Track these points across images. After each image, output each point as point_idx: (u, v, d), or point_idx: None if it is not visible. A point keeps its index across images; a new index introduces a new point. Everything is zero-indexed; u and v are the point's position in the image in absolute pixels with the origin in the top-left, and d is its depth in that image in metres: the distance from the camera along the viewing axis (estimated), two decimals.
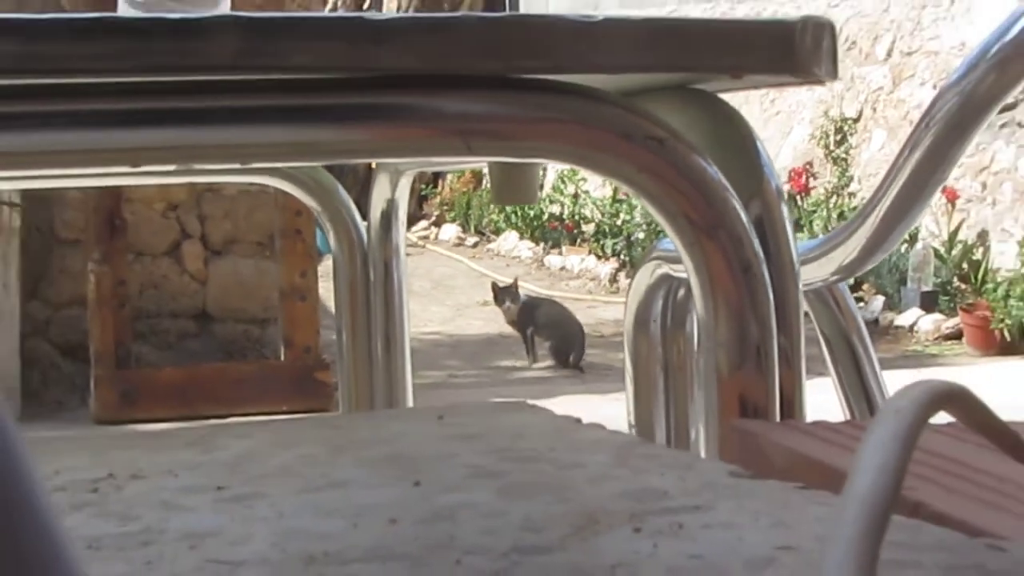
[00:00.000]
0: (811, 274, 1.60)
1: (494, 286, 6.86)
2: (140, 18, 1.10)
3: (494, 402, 0.96)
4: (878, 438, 0.55)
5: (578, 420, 0.89)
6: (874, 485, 0.53)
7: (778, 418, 1.22)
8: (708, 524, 0.64)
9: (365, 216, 1.98)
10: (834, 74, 1.26)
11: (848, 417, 1.77)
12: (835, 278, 1.62)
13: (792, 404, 1.24)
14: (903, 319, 7.49)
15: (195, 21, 1.09)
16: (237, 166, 1.28)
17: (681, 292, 1.66)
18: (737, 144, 1.30)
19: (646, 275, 1.67)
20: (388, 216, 1.99)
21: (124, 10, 1.86)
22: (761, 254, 1.19)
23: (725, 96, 1.33)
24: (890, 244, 1.52)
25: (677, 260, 1.43)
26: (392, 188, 1.92)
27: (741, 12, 9.20)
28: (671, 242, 1.23)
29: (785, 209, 1.30)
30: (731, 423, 1.09)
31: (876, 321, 7.50)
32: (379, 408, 2.04)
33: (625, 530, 0.63)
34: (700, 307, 1.19)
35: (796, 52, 1.21)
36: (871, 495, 0.52)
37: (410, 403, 2.06)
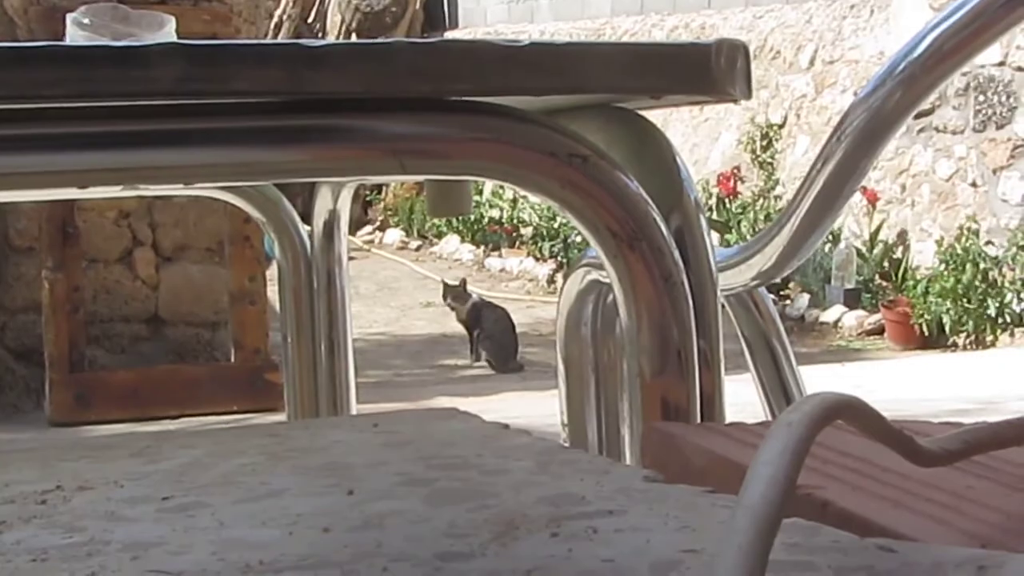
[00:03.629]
0: (732, 280, 1.67)
1: (445, 286, 6.93)
2: (86, 46, 1.15)
3: (427, 409, 1.02)
4: (769, 451, 0.59)
5: (505, 426, 0.95)
6: (763, 496, 0.56)
7: (699, 418, 1.28)
8: (620, 528, 0.67)
9: (310, 221, 2.03)
10: (748, 93, 1.32)
11: (769, 415, 1.84)
12: (755, 283, 1.67)
13: (712, 404, 1.31)
14: (828, 315, 7.63)
15: (140, 49, 1.15)
16: (181, 187, 1.34)
17: (610, 297, 1.73)
18: (657, 159, 1.36)
19: (576, 281, 1.73)
20: (331, 226, 2.04)
21: (72, 32, 1.91)
22: (681, 264, 1.25)
23: (653, 107, 1.40)
24: (805, 251, 1.59)
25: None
26: (334, 199, 1.97)
27: (670, 23, 9.27)
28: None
29: (704, 220, 1.36)
30: (651, 425, 1.15)
31: (802, 318, 7.63)
32: (324, 411, 2.10)
33: (543, 535, 0.66)
34: (623, 314, 1.26)
35: (712, 74, 1.27)
36: (760, 505, 0.56)
37: (354, 406, 2.11)
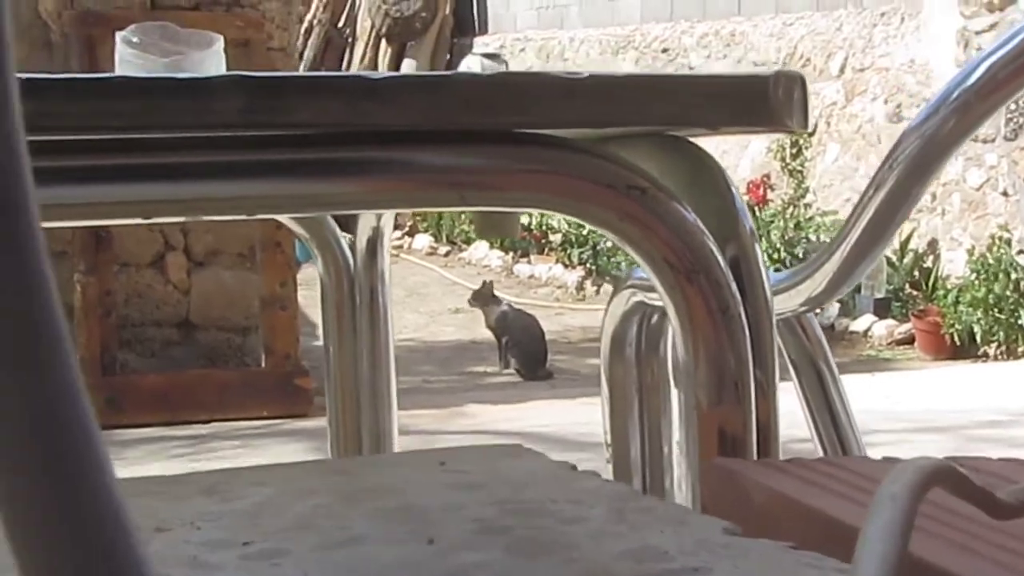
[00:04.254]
0: (781, 305, 1.67)
1: (476, 292, 6.95)
2: (152, 78, 1.16)
3: (494, 446, 1.02)
4: (877, 526, 0.59)
5: (573, 467, 0.95)
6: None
7: (755, 448, 1.29)
8: None
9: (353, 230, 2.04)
10: (804, 124, 1.33)
11: (815, 435, 1.84)
12: (804, 309, 1.68)
13: (768, 435, 1.31)
14: (858, 325, 7.62)
15: (203, 81, 1.16)
16: (243, 217, 1.35)
17: (655, 318, 1.73)
18: (712, 188, 1.37)
19: (621, 302, 1.74)
20: (374, 243, 2.05)
21: (121, 50, 1.92)
22: (738, 295, 1.26)
23: (707, 135, 1.41)
24: (855, 277, 1.59)
25: (651, 288, 1.50)
26: (377, 216, 1.98)
27: (700, 30, 9.26)
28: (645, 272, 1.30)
29: (759, 249, 1.37)
30: (711, 461, 1.16)
31: (832, 327, 7.62)
32: (366, 426, 2.11)
33: None
34: (680, 346, 1.26)
35: (771, 106, 1.28)
36: None
37: (395, 422, 2.12)
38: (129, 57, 1.83)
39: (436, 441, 5.06)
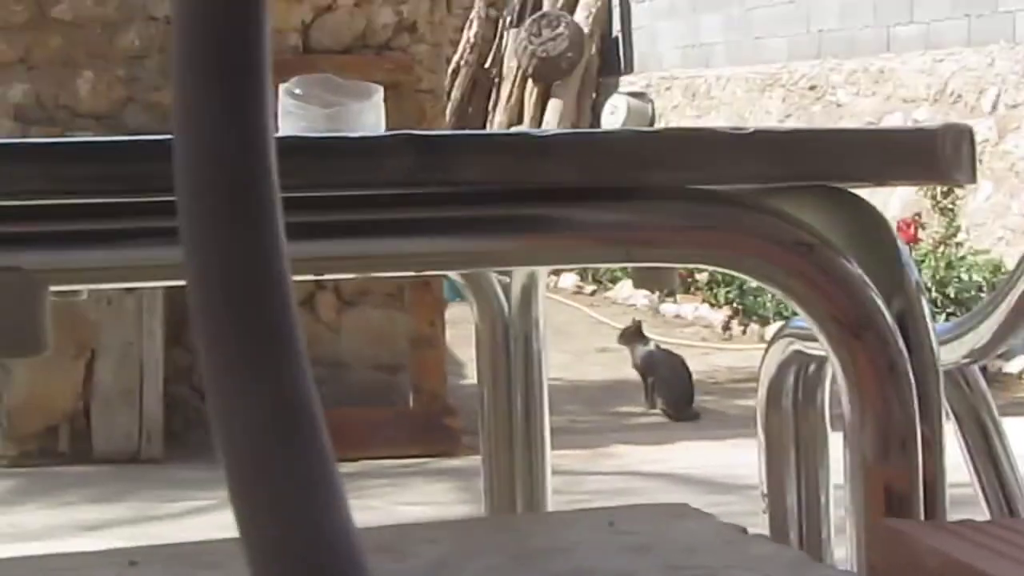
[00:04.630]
0: (944, 357, 1.65)
1: (625, 330, 6.93)
2: (325, 137, 1.18)
3: (661, 506, 1.02)
4: None
5: (743, 530, 0.95)
6: None
7: (922, 506, 1.27)
8: None
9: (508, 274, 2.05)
10: (972, 178, 1.31)
11: (979, 491, 1.81)
12: (967, 361, 1.66)
13: (934, 492, 1.29)
14: (1012, 366, 7.46)
15: (374, 140, 1.18)
16: (411, 274, 1.36)
17: (812, 368, 1.72)
18: (877, 242, 1.35)
19: (778, 351, 1.73)
20: (529, 289, 2.06)
21: (284, 101, 1.96)
22: (905, 352, 1.25)
23: (871, 187, 1.40)
24: (1022, 329, 1.57)
25: (809, 338, 1.49)
26: None
27: (848, 67, 9.17)
28: (803, 320, 1.29)
29: (926, 304, 1.35)
30: (881, 522, 1.15)
31: (984, 368, 7.44)
32: (519, 472, 2.12)
33: None
34: (846, 403, 1.25)
35: (938, 160, 1.27)
36: None
37: (548, 469, 2.13)
38: (291, 108, 1.87)
39: (582, 482, 5.06)
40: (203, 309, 0.38)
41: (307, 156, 1.15)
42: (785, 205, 1.27)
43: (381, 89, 1.94)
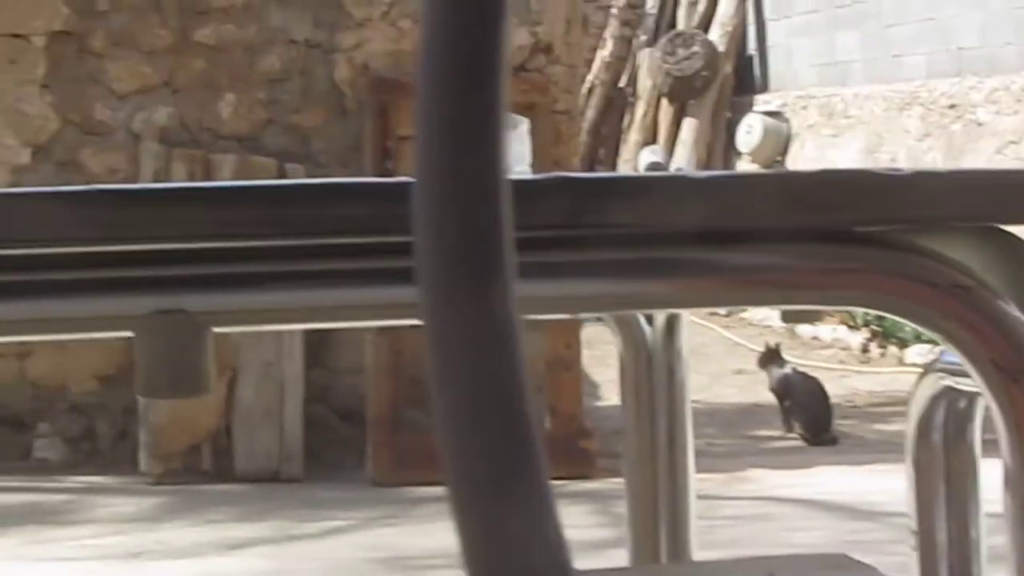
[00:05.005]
0: None
1: (764, 353, 6.88)
2: None
3: (820, 556, 1.02)
4: None
5: None
6: None
7: None
8: None
9: None
10: None
11: None
12: None
13: None
14: None
15: (530, 183, 1.19)
16: (565, 316, 1.36)
17: (963, 403, 1.70)
18: None
19: (928, 387, 1.71)
20: (672, 321, 2.06)
21: None
22: None
23: None
24: None
25: (960, 373, 1.47)
26: None
27: (988, 86, 9.01)
28: (954, 356, 1.27)
29: None
30: None
31: None
32: (663, 500, 2.12)
33: None
34: (1005, 448, 1.24)
35: None
36: None
37: (693, 499, 2.12)
38: None
39: (720, 507, 5.02)
40: (442, 354, 0.42)
41: None
42: (941, 246, 1.25)
43: (526, 121, 1.95)
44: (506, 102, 0.44)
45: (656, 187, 1.21)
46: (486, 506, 0.43)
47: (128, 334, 1.08)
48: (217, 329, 1.10)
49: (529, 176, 1.19)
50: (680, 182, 1.19)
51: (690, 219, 1.18)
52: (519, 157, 1.81)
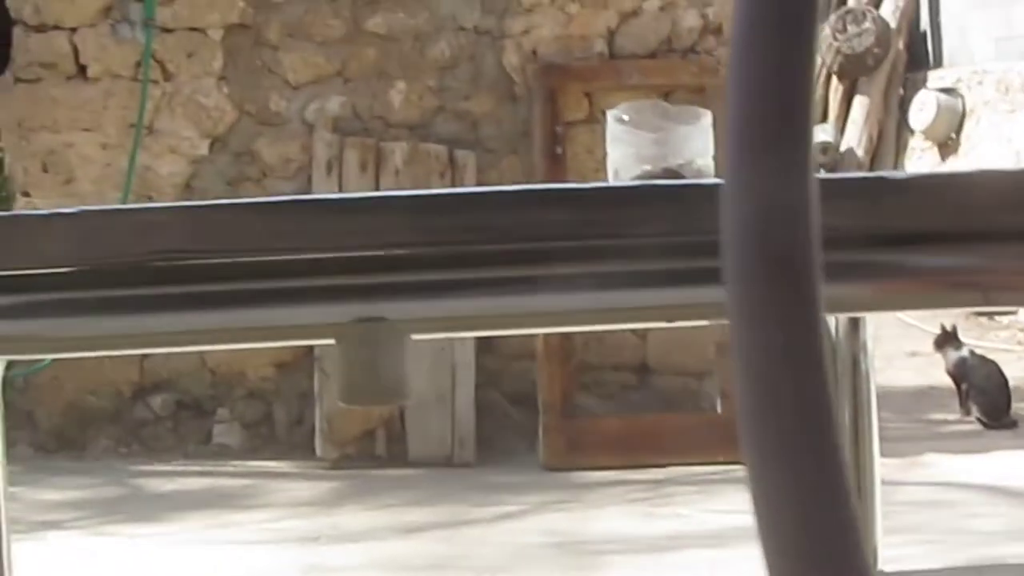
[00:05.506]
0: None
1: (940, 335, 6.75)
2: (681, 185, 1.18)
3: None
4: None
5: None
6: None
7: None
8: None
9: None
10: None
11: None
12: None
13: None
14: None
15: (697, 187, 1.18)
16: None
17: None
18: None
19: None
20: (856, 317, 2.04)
21: (612, 128, 1.98)
22: None
23: None
24: None
25: None
26: None
27: None
28: None
29: None
30: None
31: None
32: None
33: None
34: None
35: None
36: None
37: (878, 490, 2.10)
38: (620, 134, 1.89)
39: (896, 492, 4.95)
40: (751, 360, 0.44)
41: (618, 205, 1.16)
42: None
43: (709, 113, 1.94)
44: (813, 116, 0.46)
45: (854, 188, 1.19)
46: (792, 503, 0.45)
47: (329, 342, 1.10)
48: (416, 336, 1.12)
49: (701, 181, 1.18)
50: (880, 183, 1.17)
51: (890, 220, 1.16)
52: (702, 150, 1.79)
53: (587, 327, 1.31)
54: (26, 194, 6.10)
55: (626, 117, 1.91)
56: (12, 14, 6.10)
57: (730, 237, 0.45)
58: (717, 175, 1.70)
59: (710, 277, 1.18)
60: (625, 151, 1.82)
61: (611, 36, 6.12)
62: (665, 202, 1.13)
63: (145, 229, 1.09)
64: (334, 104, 6.12)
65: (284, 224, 1.12)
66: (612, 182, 1.56)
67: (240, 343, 1.28)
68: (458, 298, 1.15)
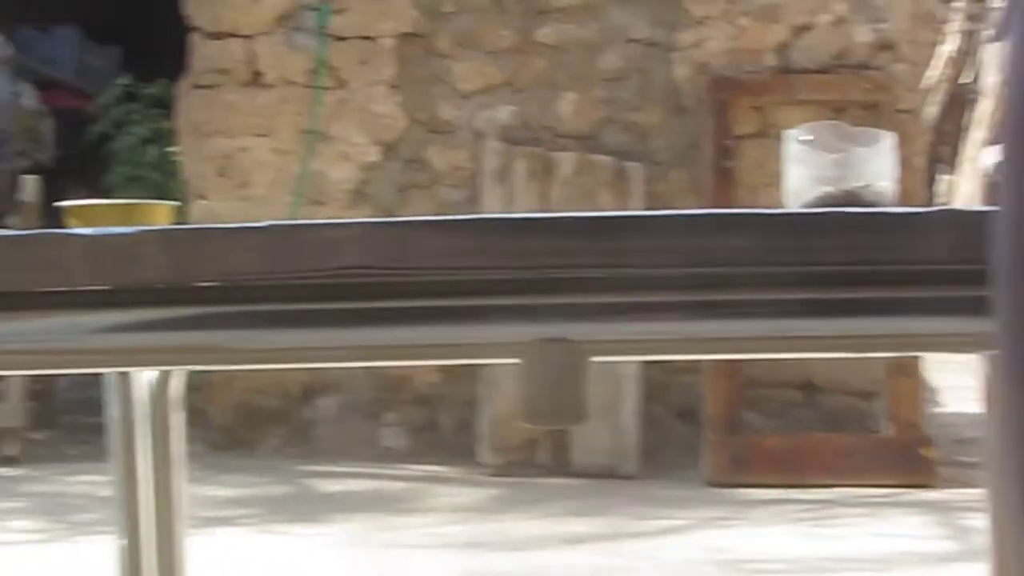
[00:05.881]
0: None
1: None
2: (862, 214, 1.17)
3: None
4: None
5: None
6: None
7: None
8: None
9: None
10: None
11: None
12: None
13: None
14: None
15: (915, 216, 1.16)
16: (915, 354, 1.32)
17: None
18: None
19: None
20: None
21: (793, 149, 1.96)
22: None
23: None
24: None
25: None
26: None
27: None
28: None
29: None
30: None
31: None
32: None
33: None
34: None
35: None
36: None
37: None
38: (799, 155, 1.87)
39: None
40: None
41: (851, 230, 1.14)
42: None
43: (890, 136, 1.91)
44: None
45: None
46: None
47: (515, 361, 1.10)
48: (596, 358, 1.12)
49: (916, 210, 1.17)
50: None
51: None
52: (883, 173, 1.76)
53: (769, 355, 1.30)
54: (202, 197, 6.24)
55: (806, 137, 1.88)
56: (189, 22, 6.25)
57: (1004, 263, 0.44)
58: (896, 199, 1.67)
59: (906, 308, 1.16)
60: (804, 172, 1.79)
61: (783, 50, 6.07)
62: (849, 229, 1.11)
63: (331, 244, 1.11)
64: (504, 113, 6.16)
65: (469, 242, 1.13)
66: (790, 204, 1.54)
67: (423, 360, 1.29)
68: (641, 321, 1.15)
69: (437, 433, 6.13)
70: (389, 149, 6.20)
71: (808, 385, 5.97)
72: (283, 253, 1.11)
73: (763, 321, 1.14)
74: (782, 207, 1.72)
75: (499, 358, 1.19)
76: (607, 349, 1.17)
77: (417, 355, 1.21)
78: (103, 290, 1.11)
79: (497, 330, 1.16)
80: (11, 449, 6.06)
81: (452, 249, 1.13)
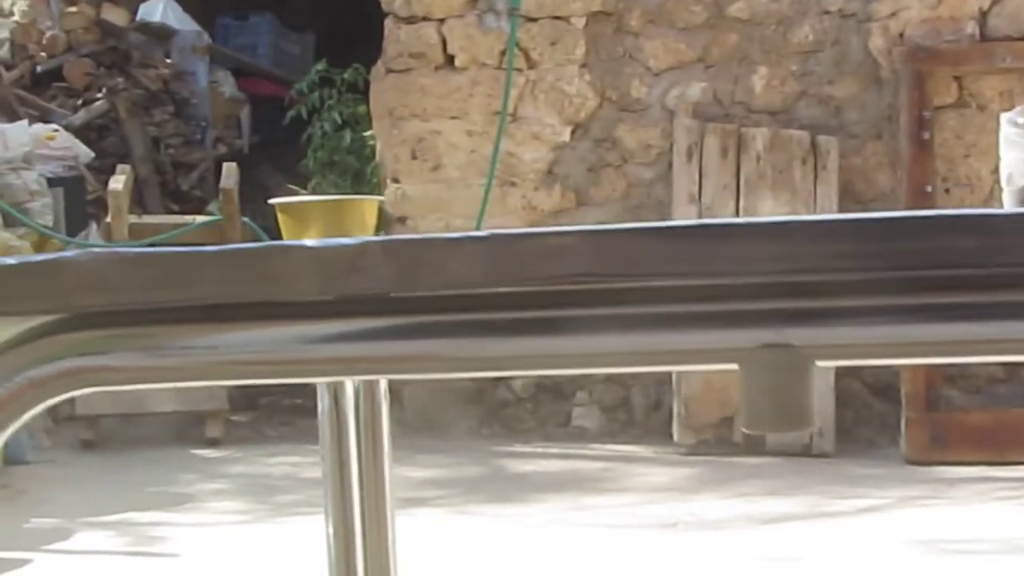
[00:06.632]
0: None
1: None
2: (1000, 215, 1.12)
3: None
4: None
5: None
6: None
7: None
8: None
9: None
10: None
11: None
12: None
13: None
14: None
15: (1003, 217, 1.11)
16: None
17: None
18: None
19: None
20: None
21: (1006, 131, 1.91)
22: None
23: None
24: None
25: None
26: None
27: None
28: None
29: None
30: None
31: None
32: None
33: None
34: None
35: None
36: None
37: None
38: (1014, 137, 1.82)
39: None
40: None
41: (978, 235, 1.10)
42: None
43: None
44: None
45: None
46: None
47: (733, 367, 1.09)
48: (821, 363, 1.11)
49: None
50: None
51: None
52: None
53: (994, 357, 1.27)
54: (396, 180, 6.32)
55: (1021, 120, 1.83)
56: (383, 7, 6.32)
57: None
58: None
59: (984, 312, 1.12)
60: (1019, 155, 1.75)
61: (983, 17, 5.91)
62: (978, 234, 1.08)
63: (551, 252, 1.12)
64: (695, 90, 6.11)
65: (688, 248, 1.13)
66: (1004, 187, 1.50)
67: (640, 366, 1.29)
68: (865, 325, 1.13)
69: (630, 412, 6.13)
70: (579, 128, 6.20)
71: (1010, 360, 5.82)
72: (505, 261, 1.11)
73: (990, 324, 1.12)
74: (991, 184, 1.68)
75: (719, 363, 1.18)
76: (832, 354, 1.15)
77: (632, 361, 1.21)
78: (325, 301, 1.13)
79: (717, 336, 1.15)
80: (214, 431, 6.21)
81: (670, 255, 1.13)
